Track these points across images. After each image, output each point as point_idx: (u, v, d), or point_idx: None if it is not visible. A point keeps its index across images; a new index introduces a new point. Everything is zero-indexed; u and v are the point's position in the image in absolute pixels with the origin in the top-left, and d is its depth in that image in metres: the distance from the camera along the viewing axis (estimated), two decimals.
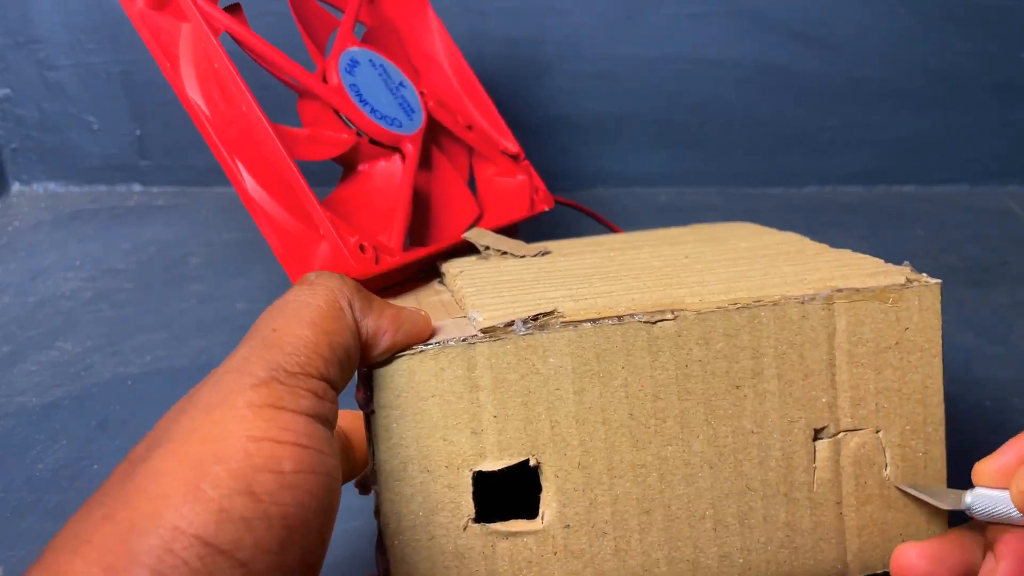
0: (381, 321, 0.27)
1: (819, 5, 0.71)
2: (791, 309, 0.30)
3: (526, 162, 0.51)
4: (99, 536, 0.20)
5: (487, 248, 0.40)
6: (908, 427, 0.31)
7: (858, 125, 0.75)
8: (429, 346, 0.28)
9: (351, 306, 0.26)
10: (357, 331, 0.26)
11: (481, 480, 0.29)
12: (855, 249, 0.38)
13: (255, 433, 0.21)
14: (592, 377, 0.29)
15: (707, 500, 0.30)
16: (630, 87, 0.73)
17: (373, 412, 0.28)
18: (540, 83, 0.72)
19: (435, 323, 0.30)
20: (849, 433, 0.31)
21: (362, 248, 0.36)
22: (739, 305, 0.29)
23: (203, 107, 0.38)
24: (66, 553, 0.20)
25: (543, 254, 0.39)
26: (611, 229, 0.58)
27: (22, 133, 0.73)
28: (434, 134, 0.47)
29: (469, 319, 0.30)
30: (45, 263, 0.65)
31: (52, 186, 0.75)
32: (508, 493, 0.30)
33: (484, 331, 0.28)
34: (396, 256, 0.38)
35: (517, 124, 0.54)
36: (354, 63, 0.42)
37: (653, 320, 0.29)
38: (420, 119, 0.44)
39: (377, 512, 0.28)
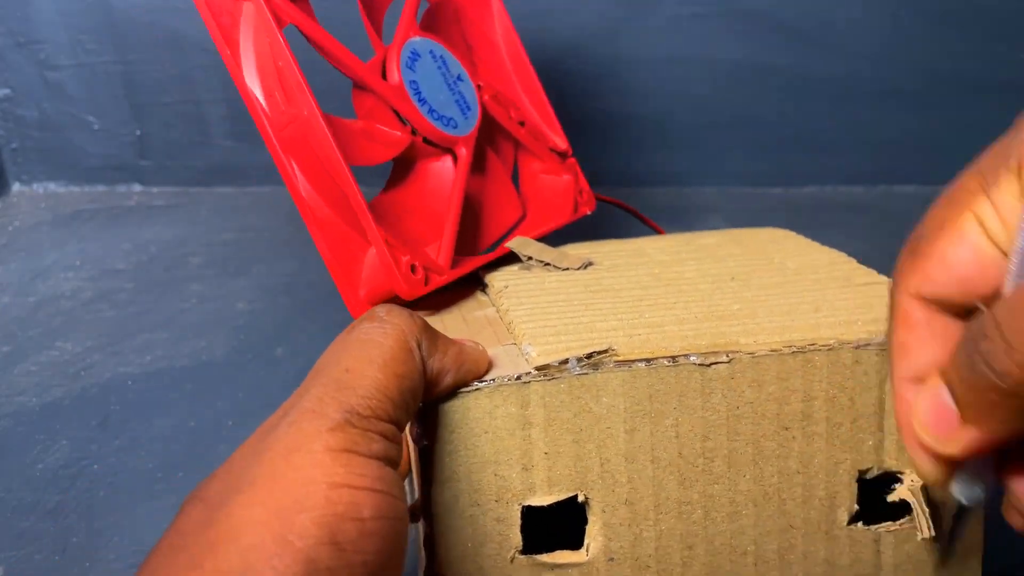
0: (445, 361, 0.27)
1: (819, 6, 0.71)
2: (845, 354, 0.29)
3: (572, 160, 0.50)
4: None
5: (530, 258, 0.39)
6: None
7: (858, 125, 0.75)
8: (484, 383, 0.28)
9: (419, 347, 0.26)
10: (424, 373, 0.26)
11: (529, 510, 0.29)
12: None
13: (335, 480, 0.21)
14: (644, 417, 0.29)
15: (750, 537, 0.30)
16: (630, 87, 0.73)
17: (427, 446, 0.28)
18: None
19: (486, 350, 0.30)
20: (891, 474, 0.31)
21: (413, 269, 0.36)
22: (793, 349, 0.29)
23: (262, 102, 0.36)
24: None
25: (586, 266, 0.38)
26: (654, 228, 0.57)
27: (23, 133, 0.73)
28: (486, 129, 0.46)
29: (522, 352, 0.29)
30: (45, 263, 0.65)
31: (52, 186, 0.75)
32: (554, 521, 0.30)
33: (538, 369, 0.28)
34: (444, 275, 0.37)
35: None
36: (415, 56, 0.41)
37: (707, 363, 0.28)
38: (475, 117, 0.43)
39: (426, 542, 0.28)
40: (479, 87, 0.45)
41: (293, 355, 0.56)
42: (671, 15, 0.71)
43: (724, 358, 0.29)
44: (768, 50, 0.72)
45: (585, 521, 0.29)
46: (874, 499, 0.31)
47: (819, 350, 0.29)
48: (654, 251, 0.41)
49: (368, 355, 0.25)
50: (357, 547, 0.21)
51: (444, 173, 0.41)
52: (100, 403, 0.51)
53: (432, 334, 0.27)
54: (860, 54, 0.73)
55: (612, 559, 0.29)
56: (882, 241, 0.77)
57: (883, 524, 0.31)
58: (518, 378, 0.28)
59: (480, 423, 0.28)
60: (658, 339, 0.29)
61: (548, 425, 0.28)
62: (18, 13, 0.69)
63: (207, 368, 0.54)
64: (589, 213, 0.50)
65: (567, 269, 0.38)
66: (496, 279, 0.37)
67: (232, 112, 0.72)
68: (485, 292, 0.39)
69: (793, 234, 0.43)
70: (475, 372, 0.28)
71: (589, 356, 0.28)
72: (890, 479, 0.31)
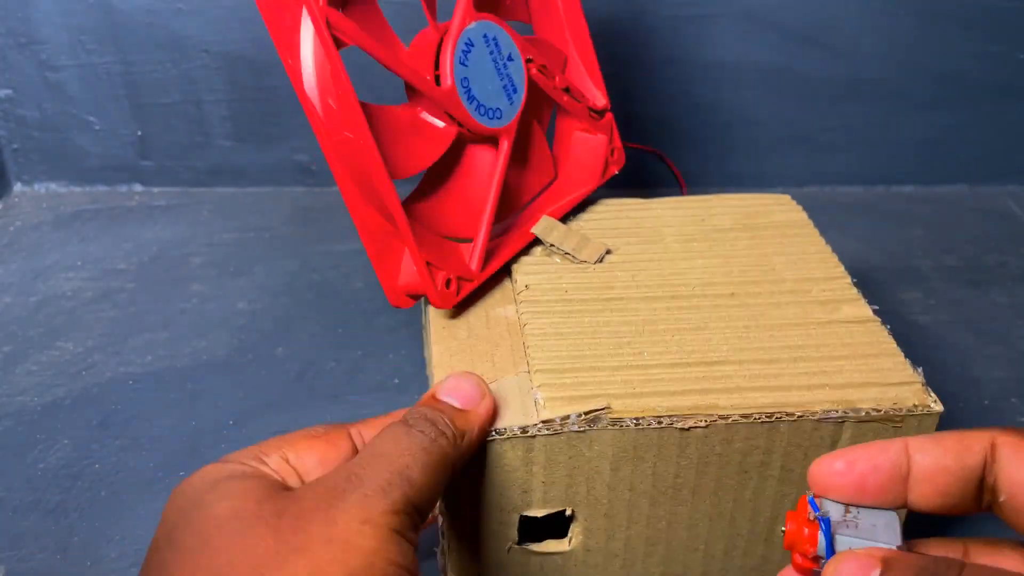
0: (472, 437, 0.32)
1: (819, 6, 0.71)
2: (806, 424, 0.34)
3: (609, 115, 0.50)
4: None
5: (552, 246, 0.43)
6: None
7: (858, 125, 0.75)
8: (497, 435, 0.33)
9: (452, 446, 0.31)
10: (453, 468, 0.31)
11: (524, 517, 0.36)
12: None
13: (392, 557, 0.26)
14: (627, 460, 0.34)
15: (702, 539, 0.37)
16: (630, 88, 0.73)
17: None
18: None
19: (499, 379, 0.36)
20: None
21: (448, 284, 0.40)
22: (762, 419, 0.34)
23: (317, 107, 0.37)
24: None
25: (602, 259, 0.43)
26: (677, 177, 0.60)
27: (24, 133, 0.73)
28: (529, 95, 0.46)
29: (532, 395, 0.34)
30: (47, 263, 0.65)
31: (53, 186, 0.75)
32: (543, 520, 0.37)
33: (544, 422, 0.33)
34: (475, 281, 0.41)
35: None
36: (469, 48, 0.42)
37: (687, 427, 0.34)
38: (520, 100, 0.44)
39: (442, 534, 0.36)
40: (528, 61, 0.46)
41: (293, 355, 0.56)
42: (671, 15, 0.71)
43: (703, 422, 0.33)
44: (768, 50, 0.72)
45: (571, 520, 0.36)
46: None
47: (783, 420, 0.34)
48: (669, 234, 0.45)
49: (427, 461, 0.30)
50: None
51: (484, 160, 0.44)
52: (101, 403, 0.51)
53: (459, 426, 0.32)
54: (860, 54, 0.73)
55: (588, 550, 0.37)
56: (882, 241, 0.77)
57: None
58: (525, 431, 0.33)
59: (492, 460, 0.34)
60: (650, 394, 0.34)
61: (547, 464, 0.34)
62: (18, 13, 0.69)
63: (207, 368, 0.54)
64: (617, 172, 0.51)
65: (584, 263, 0.42)
66: (519, 272, 0.42)
67: (233, 112, 0.72)
68: (511, 278, 0.43)
69: (801, 223, 0.47)
70: (488, 428, 0.33)
71: (588, 412, 0.33)
72: None
